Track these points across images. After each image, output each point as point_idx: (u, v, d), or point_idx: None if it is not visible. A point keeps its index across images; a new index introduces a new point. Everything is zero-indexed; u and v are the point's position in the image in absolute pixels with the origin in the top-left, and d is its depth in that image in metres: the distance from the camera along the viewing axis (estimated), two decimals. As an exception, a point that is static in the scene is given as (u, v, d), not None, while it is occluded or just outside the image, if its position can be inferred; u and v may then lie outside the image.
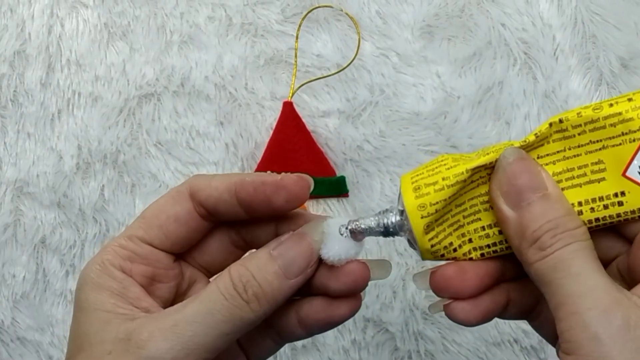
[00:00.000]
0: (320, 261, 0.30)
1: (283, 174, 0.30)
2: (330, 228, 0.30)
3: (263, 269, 0.29)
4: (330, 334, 0.49)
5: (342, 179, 0.50)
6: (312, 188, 0.31)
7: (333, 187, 0.49)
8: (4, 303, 0.49)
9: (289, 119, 0.49)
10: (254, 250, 0.32)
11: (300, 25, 0.50)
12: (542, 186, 0.28)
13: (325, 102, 0.51)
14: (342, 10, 0.51)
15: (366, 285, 0.31)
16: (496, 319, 0.48)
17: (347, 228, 0.30)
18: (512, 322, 0.48)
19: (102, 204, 0.50)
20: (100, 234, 0.50)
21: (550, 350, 0.48)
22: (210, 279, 0.34)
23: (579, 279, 0.26)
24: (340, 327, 0.49)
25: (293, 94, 0.50)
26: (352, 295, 0.31)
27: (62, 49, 0.52)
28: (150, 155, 0.50)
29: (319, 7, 0.50)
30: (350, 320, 0.49)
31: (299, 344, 0.49)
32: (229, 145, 0.50)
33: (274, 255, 0.29)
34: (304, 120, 0.49)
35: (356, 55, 0.48)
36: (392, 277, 0.49)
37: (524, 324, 0.48)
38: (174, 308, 0.29)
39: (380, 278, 0.32)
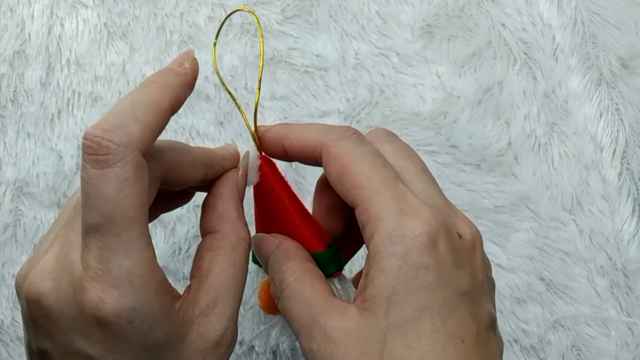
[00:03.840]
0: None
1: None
2: (251, 159, 0.35)
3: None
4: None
5: (335, 251, 0.36)
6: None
7: (326, 262, 0.35)
8: (4, 303, 0.49)
9: (266, 179, 0.36)
10: None
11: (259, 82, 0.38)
12: (272, 249, 0.34)
13: (325, 102, 0.51)
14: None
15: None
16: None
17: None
18: (512, 322, 0.48)
19: (102, 204, 0.50)
20: (100, 234, 0.50)
21: (550, 350, 0.48)
22: None
23: (294, 312, 0.31)
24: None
25: (259, 148, 0.36)
26: None
27: (62, 49, 0.52)
28: (150, 155, 0.50)
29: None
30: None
31: (298, 344, 0.49)
32: (229, 145, 0.51)
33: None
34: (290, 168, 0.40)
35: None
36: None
37: (523, 324, 0.48)
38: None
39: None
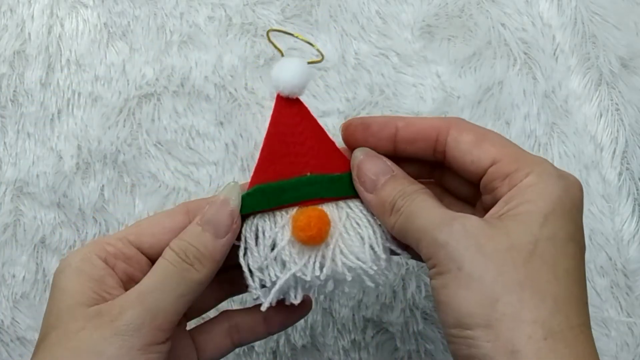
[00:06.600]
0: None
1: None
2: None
3: (196, 236, 0.35)
4: (330, 334, 0.49)
5: None
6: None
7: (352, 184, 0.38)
8: (4, 303, 0.49)
9: (288, 105, 0.39)
10: None
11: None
12: (388, 170, 0.36)
13: (325, 102, 0.51)
14: None
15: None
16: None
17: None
18: (512, 322, 0.49)
19: (102, 204, 0.50)
20: (100, 234, 0.50)
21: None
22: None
23: (423, 214, 0.33)
24: (340, 327, 0.49)
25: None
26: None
27: (62, 49, 0.52)
28: (150, 155, 0.50)
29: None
30: (350, 321, 0.49)
31: (298, 343, 0.49)
32: (229, 146, 0.51)
33: (202, 223, 0.35)
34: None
35: None
36: (392, 277, 0.49)
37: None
38: (135, 286, 0.34)
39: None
